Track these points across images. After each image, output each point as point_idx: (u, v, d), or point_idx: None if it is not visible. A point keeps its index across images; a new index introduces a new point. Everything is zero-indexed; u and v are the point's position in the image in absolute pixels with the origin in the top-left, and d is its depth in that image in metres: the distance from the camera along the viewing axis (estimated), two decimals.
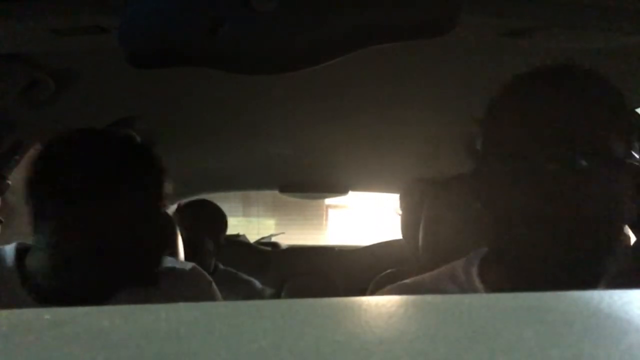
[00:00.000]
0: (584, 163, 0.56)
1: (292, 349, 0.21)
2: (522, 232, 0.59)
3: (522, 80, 0.64)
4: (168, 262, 0.93)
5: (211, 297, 0.94)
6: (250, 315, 0.25)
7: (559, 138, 0.57)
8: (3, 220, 1.18)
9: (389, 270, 1.29)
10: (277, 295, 2.36)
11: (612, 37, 0.76)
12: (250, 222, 6.41)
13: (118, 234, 0.78)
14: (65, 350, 0.21)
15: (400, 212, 1.66)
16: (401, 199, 1.70)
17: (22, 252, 0.81)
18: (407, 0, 0.60)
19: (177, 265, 0.95)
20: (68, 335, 0.22)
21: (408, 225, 1.63)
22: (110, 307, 0.26)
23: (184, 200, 1.90)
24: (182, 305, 0.26)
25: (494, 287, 0.65)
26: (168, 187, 0.86)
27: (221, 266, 1.87)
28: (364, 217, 6.07)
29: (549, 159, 0.57)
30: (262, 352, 0.20)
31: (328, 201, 6.18)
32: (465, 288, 0.66)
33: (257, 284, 1.89)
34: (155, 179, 0.85)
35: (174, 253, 1.21)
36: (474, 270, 0.67)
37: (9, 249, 0.81)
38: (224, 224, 1.87)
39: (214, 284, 0.96)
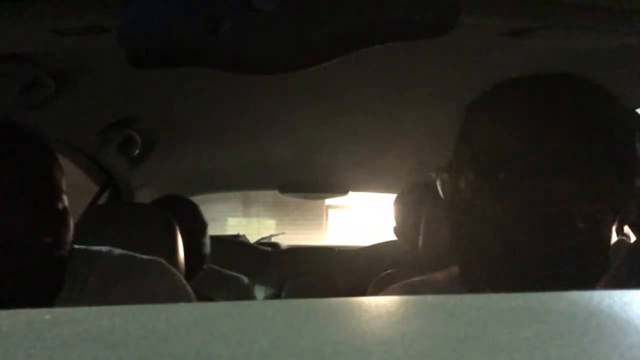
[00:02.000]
0: (545, 177, 0.55)
1: (292, 349, 0.21)
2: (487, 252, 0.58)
3: (485, 97, 0.63)
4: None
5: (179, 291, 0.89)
6: (250, 315, 0.25)
7: (520, 152, 0.56)
8: None
9: (389, 271, 1.29)
10: (277, 295, 2.36)
11: (612, 37, 0.76)
12: (250, 222, 6.41)
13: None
14: (65, 350, 0.21)
15: (397, 216, 1.66)
16: (396, 202, 1.71)
17: None
18: (407, 0, 0.60)
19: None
20: (68, 335, 0.22)
21: (404, 227, 1.64)
22: (110, 307, 0.26)
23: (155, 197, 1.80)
24: (182, 305, 0.26)
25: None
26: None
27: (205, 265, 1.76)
28: (364, 217, 6.08)
29: (509, 173, 0.56)
30: (262, 352, 0.20)
31: (328, 201, 6.19)
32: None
33: (244, 279, 1.85)
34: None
35: (173, 252, 1.21)
36: (448, 281, 0.67)
37: None
38: (200, 219, 1.76)
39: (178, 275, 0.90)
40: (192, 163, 2.01)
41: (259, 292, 2.36)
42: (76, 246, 0.84)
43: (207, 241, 1.71)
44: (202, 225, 1.69)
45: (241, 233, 2.94)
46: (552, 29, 0.74)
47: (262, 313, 0.25)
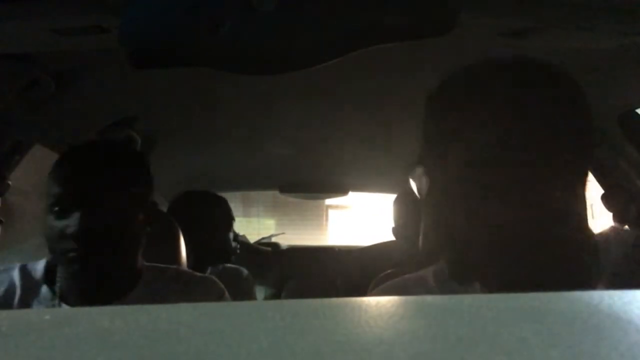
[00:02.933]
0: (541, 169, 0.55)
1: (292, 349, 0.21)
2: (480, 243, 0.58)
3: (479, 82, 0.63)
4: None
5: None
6: (250, 315, 0.25)
7: (518, 144, 0.56)
8: (3, 220, 1.18)
9: (389, 271, 1.29)
10: (277, 296, 2.36)
11: (612, 37, 0.76)
12: (250, 222, 6.41)
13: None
14: (65, 350, 0.21)
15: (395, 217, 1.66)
16: (395, 202, 1.71)
17: (51, 265, 0.86)
18: (407, 1, 0.60)
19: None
20: (68, 335, 0.22)
21: (403, 227, 1.64)
22: (110, 307, 0.26)
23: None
24: (182, 306, 0.26)
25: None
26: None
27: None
28: (364, 217, 6.08)
29: (508, 165, 0.56)
30: (262, 352, 0.20)
31: (328, 201, 6.18)
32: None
33: (244, 270, 1.86)
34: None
35: (176, 253, 1.21)
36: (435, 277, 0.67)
37: (40, 263, 0.87)
38: (226, 213, 1.81)
39: (226, 294, 0.99)
40: (192, 163, 2.01)
41: (259, 292, 2.35)
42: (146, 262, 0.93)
43: (231, 235, 1.77)
44: (227, 219, 1.74)
45: (241, 233, 2.94)
46: (552, 29, 0.74)
47: (262, 313, 0.25)
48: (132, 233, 0.84)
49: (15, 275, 0.85)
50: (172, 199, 1.79)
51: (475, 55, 0.62)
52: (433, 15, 0.60)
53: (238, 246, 1.85)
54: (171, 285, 0.91)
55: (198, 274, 1.00)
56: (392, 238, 1.76)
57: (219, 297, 0.97)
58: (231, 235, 1.77)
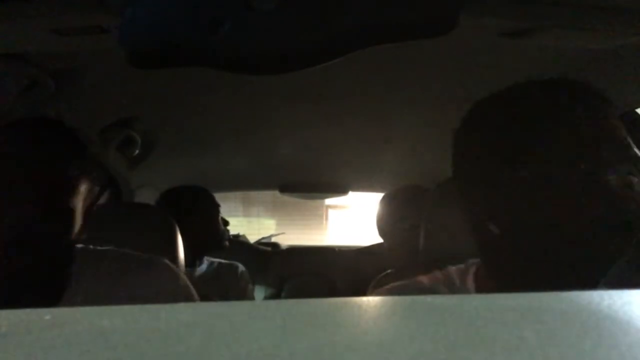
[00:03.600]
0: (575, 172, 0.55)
1: (292, 349, 0.21)
2: (518, 246, 0.58)
3: (512, 88, 0.63)
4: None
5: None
6: (250, 315, 0.25)
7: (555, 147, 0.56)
8: None
9: (389, 271, 1.29)
10: (277, 296, 2.36)
11: (612, 37, 0.76)
12: (250, 222, 6.41)
13: None
14: (65, 350, 0.21)
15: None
16: (382, 204, 1.74)
17: None
18: (407, 1, 0.60)
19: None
20: (68, 335, 0.22)
21: (393, 228, 1.66)
22: (110, 307, 0.26)
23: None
24: (182, 305, 0.26)
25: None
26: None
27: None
28: (364, 217, 6.08)
29: (546, 167, 0.56)
30: (262, 352, 0.20)
31: (328, 201, 6.19)
32: (464, 285, 0.67)
33: (240, 265, 1.88)
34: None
35: (173, 250, 1.21)
36: (470, 278, 0.67)
37: None
38: (210, 202, 1.86)
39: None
40: (192, 163, 2.01)
41: (259, 292, 2.35)
42: (80, 245, 0.85)
43: (219, 220, 1.84)
44: (213, 207, 1.83)
45: (241, 233, 2.94)
46: (552, 29, 0.74)
47: (262, 313, 0.25)
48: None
49: None
50: (158, 198, 1.82)
51: (475, 55, 0.62)
52: (433, 15, 0.60)
53: (229, 231, 1.91)
54: (115, 269, 0.84)
55: (146, 255, 0.90)
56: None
57: (175, 281, 0.88)
58: (220, 220, 1.84)
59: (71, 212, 0.77)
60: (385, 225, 1.71)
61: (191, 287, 0.92)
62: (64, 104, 1.15)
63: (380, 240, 1.83)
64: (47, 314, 0.24)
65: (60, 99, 1.11)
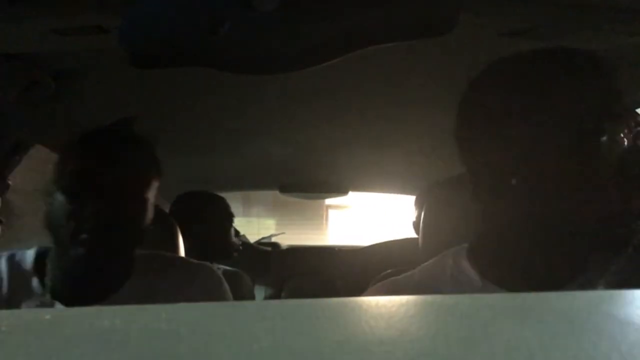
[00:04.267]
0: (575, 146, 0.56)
1: (292, 349, 0.21)
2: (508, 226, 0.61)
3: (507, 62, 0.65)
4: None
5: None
6: (250, 315, 0.25)
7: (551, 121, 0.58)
8: (3, 220, 1.18)
9: (388, 270, 1.29)
10: (277, 296, 2.36)
11: (612, 37, 0.76)
12: (250, 222, 6.40)
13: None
14: (65, 350, 0.21)
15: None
16: (417, 200, 1.73)
17: (40, 255, 0.85)
18: (407, 1, 0.60)
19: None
20: (68, 335, 0.22)
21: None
22: (110, 307, 0.26)
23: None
24: (182, 306, 0.26)
25: (483, 268, 0.65)
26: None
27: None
28: (364, 217, 6.07)
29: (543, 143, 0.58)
30: (262, 352, 0.20)
31: (328, 201, 6.18)
32: (455, 273, 0.67)
33: (243, 274, 1.88)
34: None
35: (173, 248, 1.21)
36: (462, 255, 0.68)
37: (29, 253, 0.86)
38: (225, 211, 1.85)
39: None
40: (192, 163, 2.01)
41: (259, 292, 2.35)
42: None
43: (232, 232, 1.83)
44: (227, 217, 1.81)
45: (241, 233, 2.94)
46: (552, 29, 0.74)
47: (262, 313, 0.25)
48: (141, 225, 0.83)
49: (3, 265, 0.83)
50: (174, 200, 1.81)
51: (475, 55, 0.62)
52: (433, 15, 0.60)
53: (240, 243, 1.88)
54: (167, 272, 0.89)
55: (194, 260, 0.98)
56: (392, 238, 1.77)
57: (218, 284, 0.95)
58: (232, 231, 1.82)
59: None
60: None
61: (229, 293, 0.99)
62: (64, 104, 1.15)
63: (379, 240, 1.83)
64: (47, 314, 0.24)
65: (60, 99, 1.11)
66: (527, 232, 0.61)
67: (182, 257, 0.99)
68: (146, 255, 0.90)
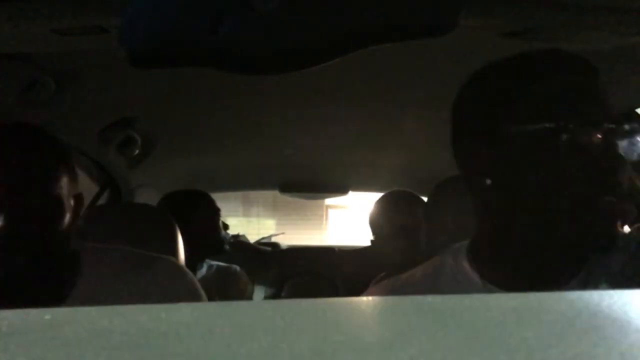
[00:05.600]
0: (570, 141, 0.57)
1: (292, 349, 0.21)
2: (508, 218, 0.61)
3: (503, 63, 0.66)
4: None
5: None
6: (250, 315, 0.25)
7: (552, 117, 0.58)
8: None
9: (388, 271, 1.29)
10: (277, 296, 2.36)
11: (612, 37, 0.76)
12: (250, 222, 6.41)
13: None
14: (65, 350, 0.21)
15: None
16: (374, 214, 1.78)
17: None
18: (407, 1, 0.60)
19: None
20: (68, 335, 0.22)
21: (390, 233, 1.69)
22: (110, 307, 0.26)
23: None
24: (182, 306, 0.26)
25: (482, 268, 0.66)
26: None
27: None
28: (364, 217, 6.07)
29: (542, 137, 0.58)
30: (262, 352, 0.20)
31: (328, 201, 6.19)
32: (455, 272, 0.67)
33: (237, 268, 1.89)
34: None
35: (174, 250, 1.21)
36: (462, 255, 0.69)
37: None
38: (211, 206, 1.87)
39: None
40: (192, 163, 2.01)
41: (259, 292, 2.35)
42: (87, 243, 0.86)
43: (220, 224, 1.83)
44: (213, 211, 1.81)
45: (241, 233, 2.94)
46: (552, 29, 0.74)
47: (262, 313, 0.25)
48: (58, 223, 0.77)
49: None
50: (158, 202, 1.81)
51: (475, 55, 0.63)
52: (433, 15, 0.60)
53: (229, 235, 1.90)
54: (123, 265, 0.84)
55: (153, 254, 0.91)
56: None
57: (180, 276, 0.90)
58: (220, 225, 1.83)
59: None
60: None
61: (197, 283, 0.92)
62: (64, 104, 1.15)
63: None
64: (47, 314, 0.24)
65: (60, 99, 1.11)
66: (522, 233, 0.61)
67: (138, 251, 0.91)
68: (99, 249, 0.86)
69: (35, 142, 0.80)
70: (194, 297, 0.89)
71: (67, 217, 0.79)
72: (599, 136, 0.57)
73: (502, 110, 0.62)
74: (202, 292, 0.92)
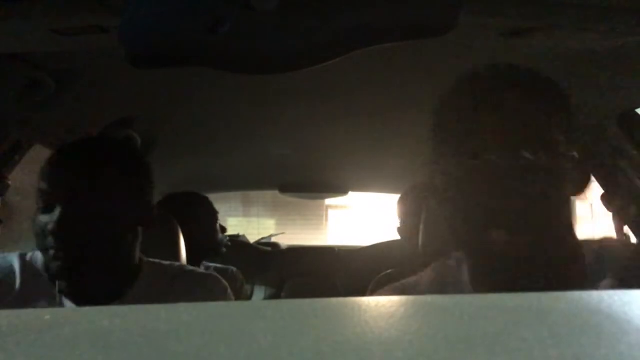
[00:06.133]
0: (530, 157, 0.58)
1: (292, 349, 0.21)
2: (482, 232, 0.61)
3: (468, 80, 0.67)
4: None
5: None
6: (250, 315, 0.25)
7: (505, 135, 0.59)
8: (3, 220, 1.18)
9: (389, 271, 1.29)
10: (277, 296, 2.36)
11: (612, 37, 0.76)
12: (250, 222, 6.41)
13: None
14: (65, 350, 0.21)
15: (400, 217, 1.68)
16: (399, 202, 1.72)
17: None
18: (407, 1, 0.60)
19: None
20: (68, 335, 0.22)
21: (406, 227, 1.65)
22: (110, 307, 0.26)
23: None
24: (182, 306, 0.26)
25: (480, 276, 0.66)
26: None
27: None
28: (364, 217, 6.08)
29: (498, 155, 0.59)
30: (262, 352, 0.20)
31: (328, 201, 6.19)
32: (458, 278, 0.67)
33: (233, 269, 1.90)
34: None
35: (175, 250, 1.21)
36: (463, 261, 0.69)
37: (38, 253, 0.85)
38: (209, 209, 1.88)
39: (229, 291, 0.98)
40: (192, 163, 2.01)
41: (259, 292, 2.35)
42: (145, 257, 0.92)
43: (217, 227, 1.84)
44: (211, 214, 1.81)
45: (241, 233, 2.94)
46: (552, 29, 0.74)
47: (262, 313, 0.25)
48: (116, 231, 0.81)
49: (16, 263, 0.83)
50: (157, 203, 1.81)
51: (475, 55, 0.63)
52: (433, 15, 0.60)
53: (227, 238, 1.90)
54: (174, 282, 0.90)
55: (201, 270, 1.00)
56: (392, 238, 1.77)
57: (223, 294, 0.96)
58: (218, 228, 1.84)
59: None
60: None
61: (233, 297, 1.00)
62: (64, 104, 1.15)
63: (379, 240, 1.83)
64: (47, 314, 0.24)
65: (60, 99, 1.11)
66: (516, 240, 0.61)
67: (188, 267, 0.99)
68: (153, 264, 0.91)
69: (138, 169, 0.87)
70: None
71: (140, 236, 0.87)
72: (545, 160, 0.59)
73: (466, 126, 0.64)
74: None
